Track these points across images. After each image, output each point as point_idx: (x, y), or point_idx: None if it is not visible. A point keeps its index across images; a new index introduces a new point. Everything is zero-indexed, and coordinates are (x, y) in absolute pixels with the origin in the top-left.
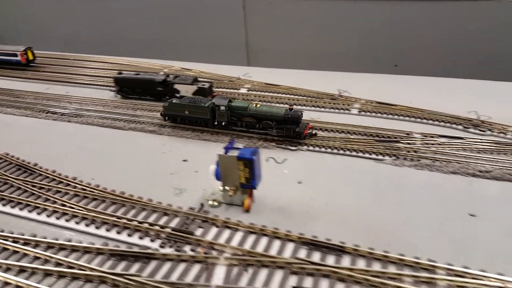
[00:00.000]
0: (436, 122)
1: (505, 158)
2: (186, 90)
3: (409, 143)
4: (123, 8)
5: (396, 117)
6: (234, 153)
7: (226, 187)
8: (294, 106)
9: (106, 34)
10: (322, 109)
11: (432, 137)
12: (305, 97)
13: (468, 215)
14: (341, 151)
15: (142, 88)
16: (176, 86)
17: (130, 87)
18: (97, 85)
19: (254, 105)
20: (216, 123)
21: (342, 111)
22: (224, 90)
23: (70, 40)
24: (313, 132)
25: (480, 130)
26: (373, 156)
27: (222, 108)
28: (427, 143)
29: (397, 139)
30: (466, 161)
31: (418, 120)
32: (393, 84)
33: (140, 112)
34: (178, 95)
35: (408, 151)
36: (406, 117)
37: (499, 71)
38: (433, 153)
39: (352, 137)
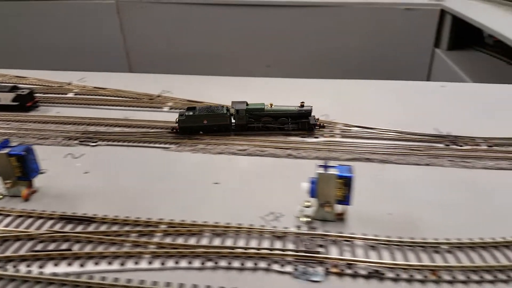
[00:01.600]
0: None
1: None
2: (5, 98)
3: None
4: None
5: None
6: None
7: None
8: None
9: None
10: (139, 108)
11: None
12: (126, 98)
13: (213, 183)
14: (136, 143)
15: None
16: None
17: None
18: None
19: (269, 105)
20: (234, 127)
21: (156, 109)
22: (51, 95)
23: None
24: (321, 125)
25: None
26: (162, 145)
27: (242, 111)
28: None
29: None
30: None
31: None
32: (211, 84)
33: None
34: None
35: (191, 138)
36: None
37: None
38: (217, 140)
39: (150, 130)
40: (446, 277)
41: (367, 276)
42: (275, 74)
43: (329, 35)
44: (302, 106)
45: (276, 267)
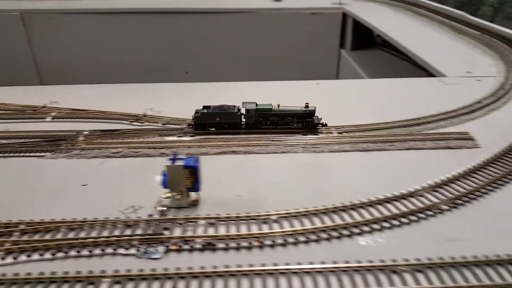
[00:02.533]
0: (110, 120)
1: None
2: None
3: (72, 140)
4: None
5: (80, 120)
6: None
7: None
8: None
9: None
10: (22, 120)
11: (95, 132)
12: (8, 112)
13: (81, 185)
14: (11, 154)
15: None
16: None
17: None
18: None
19: (276, 105)
20: (244, 125)
21: (38, 120)
22: None
23: None
24: (324, 124)
25: (140, 122)
26: (37, 154)
27: (252, 111)
28: (90, 137)
29: (64, 138)
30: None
31: (96, 120)
32: (101, 92)
33: None
34: None
35: (67, 146)
36: (88, 118)
37: None
38: (93, 144)
39: (28, 141)
40: (268, 242)
41: (201, 249)
42: (194, 80)
43: (245, 40)
44: (306, 107)
45: (121, 251)
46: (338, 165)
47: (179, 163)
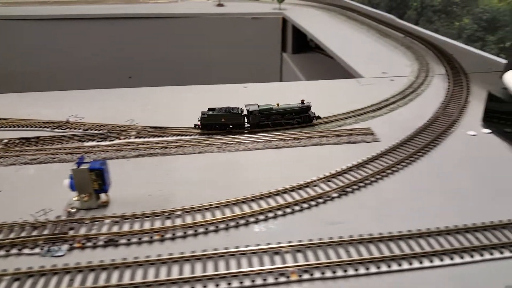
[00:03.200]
0: (32, 128)
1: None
2: None
3: None
4: None
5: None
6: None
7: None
8: None
9: None
10: None
11: (15, 140)
12: None
13: None
14: None
15: None
16: None
17: None
18: None
19: (276, 104)
20: (248, 125)
21: None
22: None
23: None
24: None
25: (62, 129)
26: None
27: (255, 112)
28: (9, 145)
29: None
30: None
31: (18, 128)
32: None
33: None
34: None
35: None
36: (9, 127)
37: None
38: (11, 152)
39: None
40: (168, 235)
41: (104, 245)
42: (137, 85)
43: (189, 45)
44: (302, 103)
45: (26, 251)
46: (250, 162)
47: (84, 166)
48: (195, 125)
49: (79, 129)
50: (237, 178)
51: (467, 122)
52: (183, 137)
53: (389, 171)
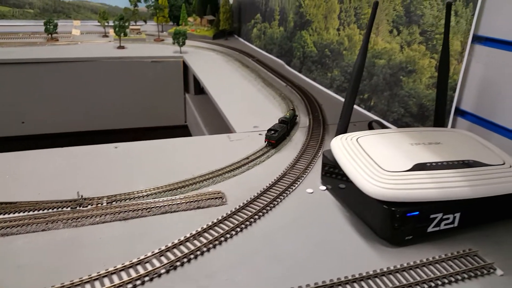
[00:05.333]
0: None
1: None
2: None
3: None
4: None
5: None
6: None
7: None
8: None
9: None
10: None
11: None
12: None
13: None
14: None
15: None
16: None
17: None
18: None
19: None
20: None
21: None
22: None
23: None
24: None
25: None
26: None
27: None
28: None
29: None
30: None
31: None
32: None
33: None
34: None
35: None
36: None
37: None
38: None
39: None
40: None
41: None
42: (31, 131)
43: (86, 88)
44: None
45: None
46: (94, 238)
47: None
48: (267, 142)
49: None
50: (76, 258)
51: (310, 179)
52: (31, 213)
53: (222, 239)
